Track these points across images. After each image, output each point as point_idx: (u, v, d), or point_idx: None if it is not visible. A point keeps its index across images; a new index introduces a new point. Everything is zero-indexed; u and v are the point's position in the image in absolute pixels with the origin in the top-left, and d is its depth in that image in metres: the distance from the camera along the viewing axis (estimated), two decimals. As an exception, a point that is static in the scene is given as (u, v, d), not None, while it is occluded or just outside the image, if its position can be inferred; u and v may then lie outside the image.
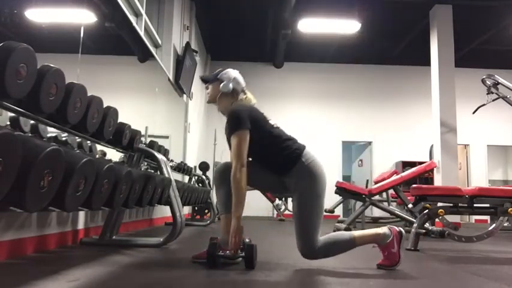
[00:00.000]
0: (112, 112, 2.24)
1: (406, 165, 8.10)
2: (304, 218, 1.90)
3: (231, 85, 2.08)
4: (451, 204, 3.09)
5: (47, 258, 2.08)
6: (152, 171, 3.34)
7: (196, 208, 6.11)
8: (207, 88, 2.18)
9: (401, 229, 1.94)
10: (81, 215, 2.74)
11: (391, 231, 1.92)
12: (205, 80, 2.20)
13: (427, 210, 3.04)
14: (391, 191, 5.22)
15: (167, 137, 5.58)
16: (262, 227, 5.11)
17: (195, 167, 6.16)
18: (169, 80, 5.37)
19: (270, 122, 2.06)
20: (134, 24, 4.10)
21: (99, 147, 2.91)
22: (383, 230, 1.94)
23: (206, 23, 7.51)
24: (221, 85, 2.08)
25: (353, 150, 10.15)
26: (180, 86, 5.71)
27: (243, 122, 1.93)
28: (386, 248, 1.92)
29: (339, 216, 7.04)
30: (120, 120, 2.39)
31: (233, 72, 2.15)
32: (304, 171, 1.92)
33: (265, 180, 2.04)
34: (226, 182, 1.93)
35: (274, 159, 1.99)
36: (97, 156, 2.98)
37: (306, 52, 8.67)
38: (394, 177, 4.98)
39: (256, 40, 8.35)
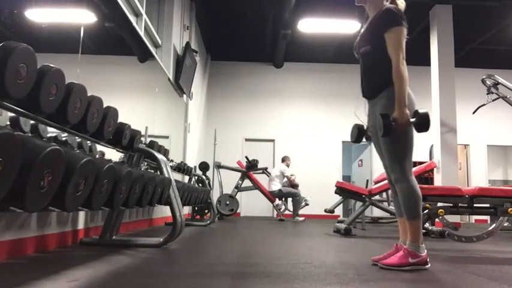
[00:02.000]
0: (112, 112, 2.24)
1: (406, 165, 8.09)
2: (396, 141, 1.99)
3: None
4: (451, 204, 3.09)
5: (47, 258, 2.08)
6: (152, 171, 3.34)
7: (196, 208, 6.11)
8: None
9: (429, 263, 1.99)
10: (81, 215, 2.74)
11: (425, 253, 1.98)
12: None
13: (427, 210, 3.04)
14: (391, 191, 5.21)
15: (167, 137, 5.58)
16: (262, 227, 5.11)
17: (195, 167, 6.16)
18: (169, 80, 5.37)
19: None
20: (134, 24, 4.10)
21: (98, 147, 2.90)
22: (423, 245, 1.99)
23: (206, 23, 7.51)
24: None
25: (353, 150, 10.15)
26: (180, 86, 5.71)
27: (404, 20, 1.97)
28: (409, 253, 1.97)
29: (338, 216, 7.05)
30: (120, 120, 2.39)
31: None
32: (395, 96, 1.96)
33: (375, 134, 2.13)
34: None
35: (379, 74, 2.03)
36: (97, 156, 2.98)
37: (306, 52, 8.67)
38: (394, 177, 4.96)
39: (256, 40, 8.35)
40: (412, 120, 1.95)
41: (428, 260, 2.00)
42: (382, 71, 2.00)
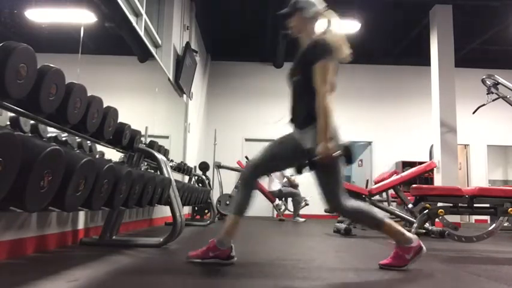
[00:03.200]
0: (112, 112, 2.24)
1: (406, 165, 8.10)
2: (324, 174, 1.94)
3: (313, 9, 2.06)
4: (451, 204, 3.09)
5: (47, 258, 2.08)
6: (152, 171, 3.34)
7: (196, 208, 6.11)
8: (289, 23, 2.13)
9: (425, 248, 1.97)
10: (81, 215, 2.74)
11: (417, 242, 1.96)
12: (287, 15, 2.14)
13: (427, 210, 3.04)
14: (391, 191, 5.21)
15: (167, 137, 5.58)
16: (262, 227, 5.11)
17: (195, 167, 6.16)
18: (169, 80, 5.37)
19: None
20: (134, 24, 4.10)
21: (98, 147, 2.90)
22: (410, 235, 1.97)
23: (206, 23, 7.51)
24: (304, 12, 2.05)
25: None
26: (180, 86, 5.71)
27: (333, 53, 1.93)
28: (401, 250, 1.95)
29: (339, 216, 7.04)
30: (120, 120, 2.39)
31: None
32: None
33: (285, 152, 2.08)
34: (253, 185, 2.01)
35: (307, 105, 1.97)
36: (97, 156, 2.98)
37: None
38: (394, 177, 4.97)
39: (256, 40, 8.35)
40: (336, 153, 1.87)
41: (422, 244, 1.96)
42: (311, 104, 1.93)
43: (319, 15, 2.07)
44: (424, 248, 1.97)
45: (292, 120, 2.13)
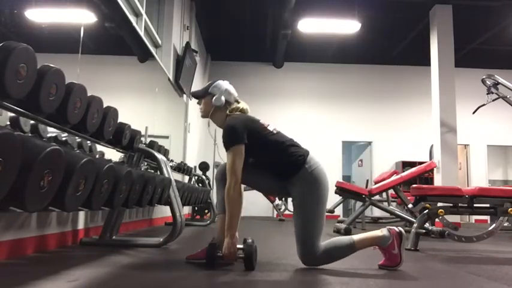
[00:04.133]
0: (112, 112, 2.24)
1: (406, 165, 8.11)
2: (305, 224, 1.89)
3: (223, 98, 2.07)
4: (451, 204, 3.09)
5: (47, 258, 2.08)
6: (152, 171, 3.34)
7: (196, 208, 6.11)
8: (199, 104, 2.15)
9: (401, 229, 1.94)
10: (81, 215, 2.74)
11: (391, 232, 1.93)
12: (196, 96, 2.16)
13: (427, 210, 3.04)
14: (391, 191, 5.22)
15: (167, 137, 5.58)
16: (262, 227, 5.11)
17: (195, 167, 6.16)
18: (169, 80, 5.37)
19: (268, 128, 2.02)
20: (134, 24, 4.10)
21: (98, 147, 2.90)
22: (382, 232, 1.94)
23: (206, 23, 7.51)
24: (213, 99, 2.06)
25: (353, 150, 10.15)
26: (180, 86, 5.71)
27: (238, 136, 1.90)
28: (387, 249, 1.94)
29: (338, 216, 7.04)
30: (120, 120, 2.39)
31: (223, 84, 2.13)
32: (308, 178, 1.91)
33: (265, 182, 2.04)
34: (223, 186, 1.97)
35: (277, 166, 1.98)
36: (97, 156, 2.98)
37: (306, 52, 8.67)
38: (394, 177, 4.97)
39: (256, 40, 8.35)
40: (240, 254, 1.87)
41: (397, 229, 1.92)
42: (279, 163, 1.94)
43: (228, 105, 2.08)
44: (402, 230, 1.93)
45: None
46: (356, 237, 1.94)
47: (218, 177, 2.07)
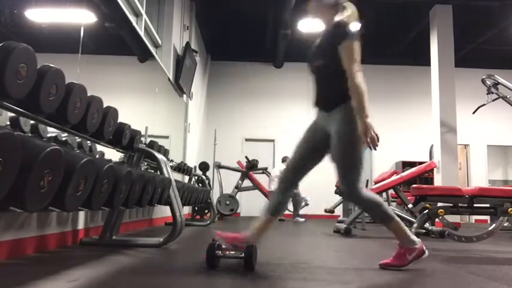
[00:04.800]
0: (112, 112, 2.24)
1: (406, 165, 8.11)
2: (342, 156, 1.96)
3: None
4: (451, 204, 3.09)
5: (47, 258, 2.08)
6: (152, 171, 3.34)
7: (196, 208, 6.11)
8: (310, 9, 2.19)
9: (427, 251, 1.99)
10: (81, 215, 2.74)
11: (419, 244, 1.98)
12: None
13: (427, 210, 3.04)
14: (391, 191, 5.22)
15: (167, 137, 5.58)
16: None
17: (195, 167, 6.16)
18: (169, 80, 5.37)
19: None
20: (134, 24, 4.10)
21: (98, 147, 2.91)
22: (415, 237, 1.99)
23: (206, 23, 7.51)
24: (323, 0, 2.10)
25: (353, 150, 10.14)
26: (180, 86, 5.71)
27: (356, 33, 1.96)
28: (404, 250, 1.97)
29: (339, 216, 7.04)
30: (120, 120, 2.39)
31: None
32: (350, 112, 1.95)
33: (313, 142, 2.08)
34: (288, 191, 2.06)
35: (334, 88, 2.01)
36: (97, 156, 2.98)
37: (306, 52, 8.66)
38: (394, 177, 4.97)
39: (256, 40, 8.35)
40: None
41: (424, 248, 1.98)
42: (337, 85, 1.97)
43: (338, 4, 2.09)
44: (427, 252, 1.99)
45: (317, 105, 2.14)
46: (397, 218, 1.98)
47: (285, 178, 2.10)
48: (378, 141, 1.92)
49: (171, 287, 1.53)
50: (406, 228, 2.01)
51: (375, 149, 1.93)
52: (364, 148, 1.95)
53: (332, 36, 2.00)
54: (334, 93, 2.00)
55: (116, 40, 4.10)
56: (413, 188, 3.17)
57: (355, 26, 2.00)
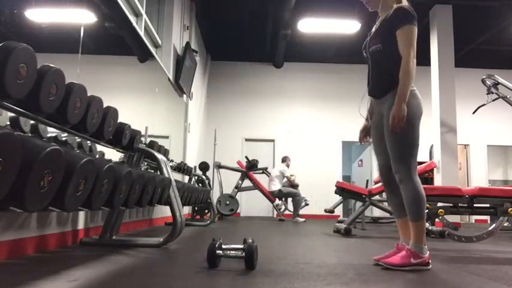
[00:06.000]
0: (112, 112, 2.24)
1: (406, 165, 8.09)
2: (402, 139, 2.00)
3: None
4: (451, 204, 3.09)
5: (47, 258, 2.08)
6: (152, 171, 3.34)
7: (196, 208, 6.11)
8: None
9: (431, 265, 2.01)
10: (81, 215, 2.74)
11: (427, 255, 2.00)
12: None
13: (427, 210, 3.04)
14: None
15: (167, 137, 5.58)
16: (262, 227, 5.11)
17: (195, 167, 6.16)
18: (169, 80, 5.37)
19: None
20: (134, 24, 4.10)
21: (99, 147, 2.90)
22: (426, 247, 2.01)
23: (206, 23, 7.51)
24: None
25: (353, 150, 10.15)
26: (180, 86, 5.71)
27: (416, 19, 1.99)
28: (412, 253, 1.98)
29: (339, 216, 7.05)
30: (120, 120, 2.39)
31: None
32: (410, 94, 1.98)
33: (381, 134, 2.12)
34: (396, 190, 2.08)
35: (388, 73, 2.03)
36: (97, 156, 2.98)
37: (306, 52, 8.67)
38: (394, 177, 4.96)
39: (256, 40, 8.35)
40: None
41: (430, 261, 2.00)
42: (392, 70, 2.01)
43: None
44: (431, 266, 2.00)
45: (372, 91, 2.18)
46: (425, 221, 2.03)
47: (385, 181, 2.16)
48: (402, 127, 1.96)
49: (171, 287, 1.53)
50: (424, 233, 2.02)
51: (398, 130, 1.97)
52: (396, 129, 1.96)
53: (393, 21, 2.03)
54: (389, 79, 2.03)
55: (116, 40, 4.10)
56: (413, 188, 3.16)
57: (414, 13, 2.03)
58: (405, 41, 1.97)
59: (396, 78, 1.98)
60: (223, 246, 1.92)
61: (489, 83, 4.30)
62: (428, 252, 2.01)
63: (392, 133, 1.99)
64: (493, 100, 4.31)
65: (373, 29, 2.19)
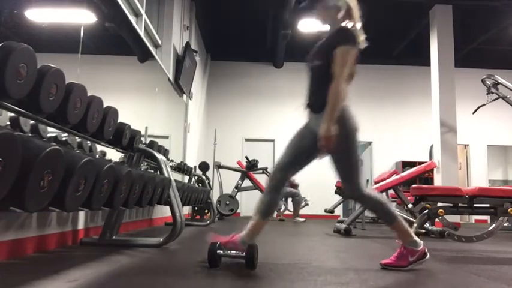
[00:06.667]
0: (112, 112, 2.24)
1: (406, 165, 8.11)
2: (344, 159, 1.98)
3: (333, 1, 2.09)
4: (451, 204, 3.09)
5: (47, 258, 2.08)
6: (152, 171, 3.34)
7: (196, 208, 6.11)
8: (316, 13, 2.19)
9: (428, 254, 2.00)
10: (81, 215, 2.74)
11: (422, 246, 1.99)
12: (309, 4, 2.23)
13: (427, 210, 3.04)
14: (391, 191, 5.22)
15: (167, 137, 5.58)
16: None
17: (195, 167, 6.16)
18: (169, 80, 5.37)
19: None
20: (134, 24, 4.10)
21: (99, 147, 2.91)
22: (418, 239, 2.00)
23: (206, 23, 7.51)
24: (326, 2, 2.10)
25: (353, 150, 10.13)
26: (180, 86, 5.71)
27: (355, 40, 1.97)
28: (406, 250, 1.97)
29: (339, 216, 7.04)
30: (120, 120, 2.39)
31: None
32: (343, 114, 1.97)
33: (303, 142, 2.08)
34: (281, 188, 2.03)
35: (326, 89, 1.99)
36: (97, 156, 2.98)
37: (306, 52, 8.65)
38: (394, 177, 4.97)
39: (256, 40, 8.34)
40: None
41: (426, 250, 2.00)
42: (329, 88, 1.98)
43: (345, 9, 2.09)
44: (428, 255, 2.00)
45: (309, 106, 2.16)
46: (400, 218, 2.00)
47: (273, 181, 2.06)
48: (330, 148, 1.92)
49: (171, 287, 1.53)
50: (410, 229, 2.02)
51: (321, 157, 1.98)
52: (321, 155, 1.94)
53: (332, 39, 2.02)
54: (324, 96, 1.98)
55: (116, 40, 4.11)
56: (413, 188, 3.17)
57: (358, 35, 2.01)
58: (339, 61, 1.93)
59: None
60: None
61: (489, 83, 4.30)
62: (422, 242, 2.00)
63: (336, 155, 1.97)
64: (493, 100, 4.32)
65: (318, 43, 2.17)
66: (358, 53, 2.03)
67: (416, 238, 1.99)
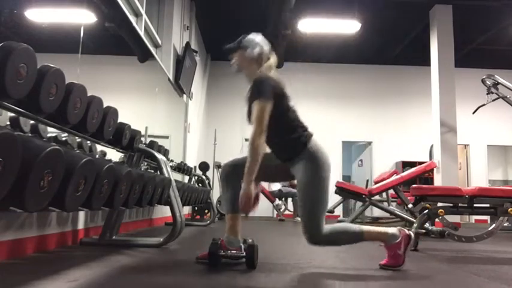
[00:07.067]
0: (112, 112, 2.24)
1: (406, 165, 8.11)
2: (308, 202, 1.89)
3: (256, 50, 2.07)
4: (451, 204, 3.08)
5: (47, 258, 2.08)
6: (152, 171, 3.34)
7: (196, 208, 6.11)
8: (232, 58, 2.16)
9: (411, 233, 1.96)
10: (81, 215, 2.74)
11: (400, 232, 1.93)
12: (229, 50, 2.19)
13: (427, 210, 3.04)
14: (391, 191, 5.23)
15: (167, 137, 5.58)
16: (262, 227, 5.11)
17: (195, 167, 6.16)
18: (169, 80, 5.37)
19: (290, 103, 2.04)
20: (134, 24, 4.10)
21: (99, 147, 2.91)
22: (392, 230, 1.95)
23: (206, 23, 7.51)
24: (246, 52, 2.08)
25: (353, 150, 10.15)
26: (180, 86, 5.71)
27: (269, 92, 1.91)
28: (392, 248, 1.94)
29: (339, 216, 7.05)
30: (120, 120, 2.39)
31: (256, 37, 2.14)
32: (309, 157, 1.92)
33: (271, 168, 2.05)
34: (235, 181, 1.95)
35: (283, 141, 1.98)
36: (97, 156, 2.98)
37: (306, 52, 8.67)
38: (394, 177, 4.98)
39: (256, 40, 8.33)
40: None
41: (406, 231, 1.94)
42: (286, 144, 1.97)
43: (262, 57, 2.07)
44: (411, 233, 1.96)
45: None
46: (365, 227, 1.94)
47: (223, 176, 2.07)
48: (253, 206, 1.86)
49: (171, 287, 1.53)
50: (379, 228, 1.96)
51: (246, 215, 1.91)
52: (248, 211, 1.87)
53: (252, 92, 1.96)
54: (292, 145, 1.96)
55: (116, 40, 4.10)
56: (413, 188, 3.16)
57: (273, 80, 1.96)
58: (255, 117, 1.87)
59: (291, 145, 1.94)
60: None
61: (489, 83, 4.30)
62: (397, 228, 1.94)
63: (301, 192, 1.92)
64: (493, 100, 4.32)
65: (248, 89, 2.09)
66: (285, 93, 2.00)
67: (391, 231, 1.93)
